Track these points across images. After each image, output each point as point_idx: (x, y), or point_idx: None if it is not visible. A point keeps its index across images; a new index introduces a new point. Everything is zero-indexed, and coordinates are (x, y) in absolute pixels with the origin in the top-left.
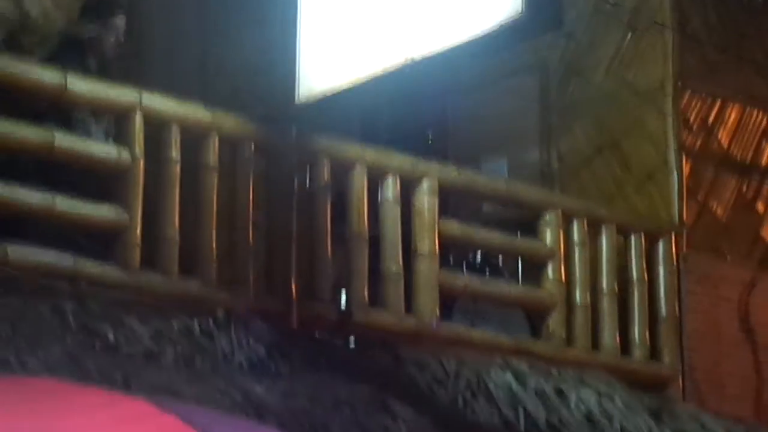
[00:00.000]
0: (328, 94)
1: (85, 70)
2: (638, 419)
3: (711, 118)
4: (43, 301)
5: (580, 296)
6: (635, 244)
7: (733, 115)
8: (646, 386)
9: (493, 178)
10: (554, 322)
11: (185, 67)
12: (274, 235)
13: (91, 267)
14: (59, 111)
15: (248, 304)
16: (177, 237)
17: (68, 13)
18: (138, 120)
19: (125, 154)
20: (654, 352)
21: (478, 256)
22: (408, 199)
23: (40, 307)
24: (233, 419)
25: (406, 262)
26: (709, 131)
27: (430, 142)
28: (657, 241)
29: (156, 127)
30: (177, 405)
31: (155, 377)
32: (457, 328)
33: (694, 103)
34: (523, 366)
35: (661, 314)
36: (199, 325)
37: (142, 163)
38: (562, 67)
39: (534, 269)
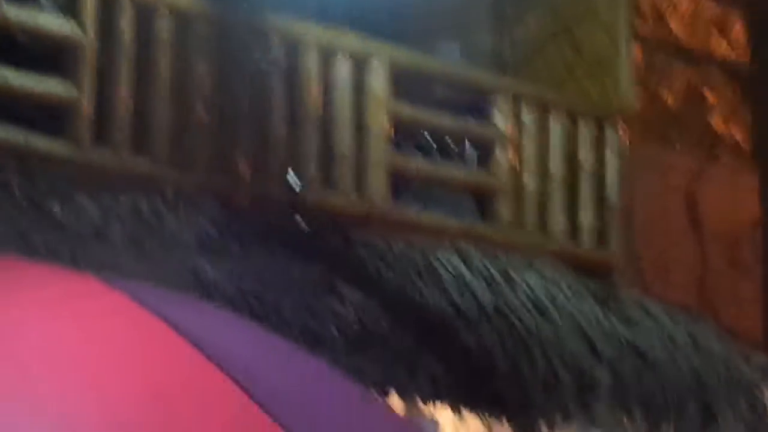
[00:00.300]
0: None
1: None
2: (584, 304)
3: (663, 6)
4: None
5: (529, 181)
6: (585, 130)
7: (685, 4)
8: (593, 272)
9: (445, 60)
10: (503, 206)
11: None
12: (226, 114)
13: (40, 142)
14: None
15: (198, 183)
16: (128, 114)
17: None
18: None
19: (76, 28)
20: (601, 239)
21: (429, 139)
22: (360, 79)
23: None
24: (182, 298)
25: (357, 143)
26: (662, 19)
27: (383, 23)
28: (607, 128)
29: (108, 0)
30: (126, 282)
31: (103, 255)
32: (407, 210)
33: None
34: (471, 250)
35: (609, 201)
36: (149, 204)
37: (93, 37)
38: None
39: (484, 153)
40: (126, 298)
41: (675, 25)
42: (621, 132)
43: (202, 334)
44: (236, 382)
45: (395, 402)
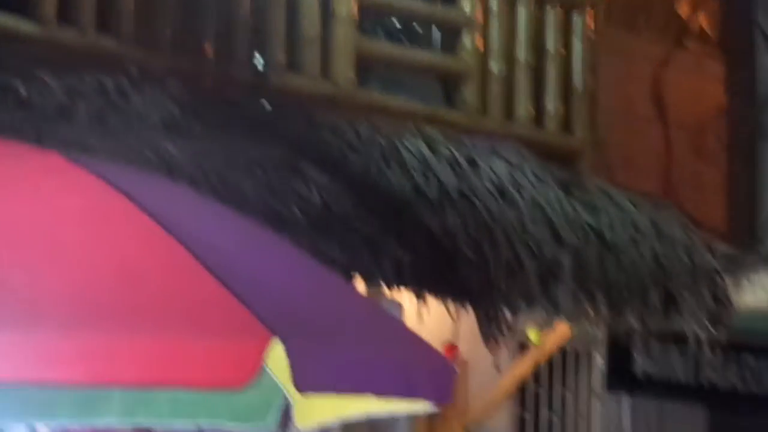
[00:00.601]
0: None
1: None
2: (548, 190)
3: None
4: None
5: (495, 66)
6: (552, 15)
7: None
8: (558, 158)
9: None
10: (469, 91)
11: None
12: None
13: (5, 20)
14: None
15: (163, 64)
16: None
17: None
18: None
19: None
20: (566, 125)
21: (396, 23)
22: None
23: None
24: (145, 175)
25: (324, 26)
26: None
27: None
28: (573, 14)
29: None
30: (90, 160)
31: (68, 133)
32: (372, 94)
33: None
34: (436, 134)
35: (575, 87)
36: (114, 83)
37: None
38: None
39: (451, 37)
40: (90, 174)
41: None
42: (587, 18)
43: (165, 211)
44: (200, 259)
45: (359, 286)
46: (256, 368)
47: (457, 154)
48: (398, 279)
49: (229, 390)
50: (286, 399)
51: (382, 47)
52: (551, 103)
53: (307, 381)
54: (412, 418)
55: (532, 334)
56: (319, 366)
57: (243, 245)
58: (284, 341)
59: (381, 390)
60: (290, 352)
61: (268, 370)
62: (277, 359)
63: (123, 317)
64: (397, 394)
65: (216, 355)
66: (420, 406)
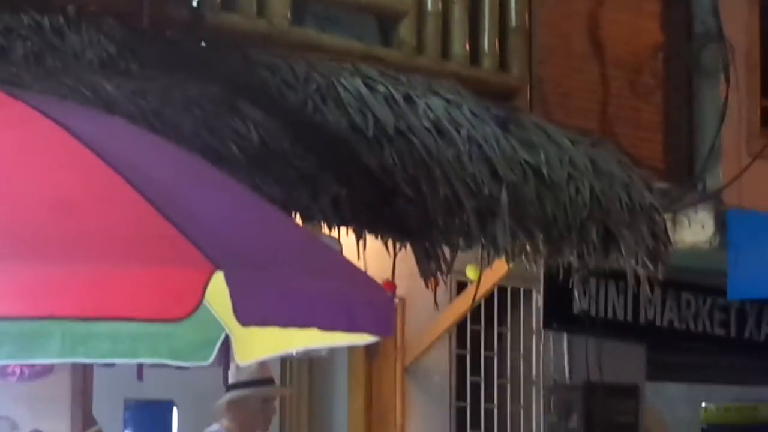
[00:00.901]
0: None
1: None
2: (485, 128)
3: None
4: None
5: (431, 3)
6: None
7: None
8: (495, 96)
9: None
10: (405, 29)
11: None
12: None
13: None
14: None
15: (100, 3)
16: None
17: None
18: None
19: None
20: (503, 63)
21: None
22: None
23: None
24: (83, 110)
25: None
26: None
27: None
28: None
29: None
30: (27, 95)
31: (5, 72)
32: (308, 32)
33: None
34: (372, 72)
35: (511, 24)
36: (50, 22)
37: None
38: None
39: None
40: (27, 107)
41: None
42: None
43: (104, 143)
44: (139, 190)
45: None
46: (197, 300)
47: (393, 91)
48: (336, 216)
49: (170, 321)
50: (226, 335)
51: None
52: (487, 41)
53: (249, 313)
54: (352, 360)
55: (471, 272)
56: (261, 298)
57: (183, 177)
58: (226, 273)
59: (322, 321)
60: (232, 284)
61: (208, 305)
62: (217, 294)
63: (62, 249)
64: (339, 325)
65: (157, 286)
66: (361, 339)
